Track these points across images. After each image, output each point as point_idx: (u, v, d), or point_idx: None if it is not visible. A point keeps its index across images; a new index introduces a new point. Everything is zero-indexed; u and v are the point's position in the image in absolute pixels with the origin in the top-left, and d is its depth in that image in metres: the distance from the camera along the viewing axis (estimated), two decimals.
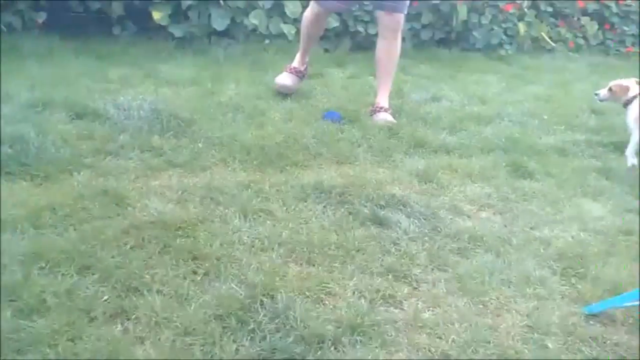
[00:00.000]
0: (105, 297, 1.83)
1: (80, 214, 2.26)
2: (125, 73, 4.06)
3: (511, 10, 5.99)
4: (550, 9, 6.56)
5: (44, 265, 1.93)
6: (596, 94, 3.70)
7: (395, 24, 3.67)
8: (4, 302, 1.76)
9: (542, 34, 6.37)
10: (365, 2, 4.57)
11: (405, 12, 3.70)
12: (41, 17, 4.65)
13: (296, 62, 4.04)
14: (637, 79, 3.54)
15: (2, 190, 2.39)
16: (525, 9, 6.21)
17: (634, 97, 3.44)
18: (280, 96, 3.93)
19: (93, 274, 1.92)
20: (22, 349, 1.62)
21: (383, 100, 3.74)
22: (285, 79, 3.95)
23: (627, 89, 3.51)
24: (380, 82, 3.81)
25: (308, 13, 3.87)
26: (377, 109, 3.71)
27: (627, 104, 3.49)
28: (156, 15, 4.87)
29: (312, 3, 3.80)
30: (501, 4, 5.92)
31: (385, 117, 3.65)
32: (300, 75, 4.01)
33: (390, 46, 3.72)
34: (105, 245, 2.07)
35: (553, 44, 6.47)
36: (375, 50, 3.81)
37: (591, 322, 1.97)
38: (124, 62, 4.30)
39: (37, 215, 2.21)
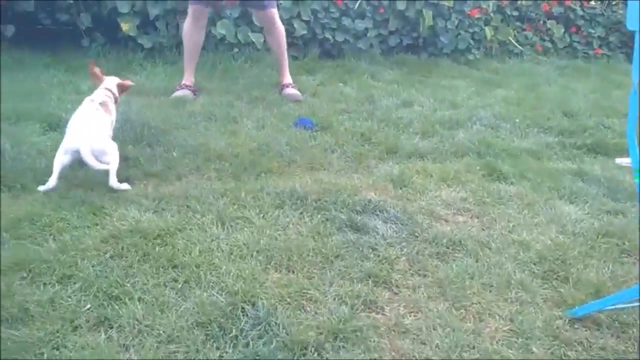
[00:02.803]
0: (88, 306, 1.83)
1: (59, 224, 2.26)
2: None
3: (477, 15, 6.08)
4: (515, 13, 6.69)
5: (25, 275, 1.94)
6: None
7: (269, 19, 4.26)
8: None
9: (509, 37, 6.49)
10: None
11: (271, 6, 4.22)
12: (9, 30, 4.61)
13: (187, 80, 4.11)
14: None
15: None
16: (491, 14, 6.31)
17: None
18: (252, 104, 3.92)
19: (74, 283, 1.92)
20: (7, 359, 1.62)
21: (285, 78, 4.37)
22: (179, 93, 4.00)
23: None
24: (279, 64, 4.43)
25: (187, 22, 4.14)
26: (283, 86, 4.30)
27: None
28: (124, 27, 4.82)
29: (189, 11, 4.10)
30: (467, 9, 6.00)
31: (292, 91, 4.24)
32: (192, 90, 4.08)
33: (272, 36, 4.36)
34: (85, 255, 2.07)
35: (520, 48, 6.59)
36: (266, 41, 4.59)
37: (575, 325, 1.97)
38: None
39: (17, 226, 2.21)
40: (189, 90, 4.06)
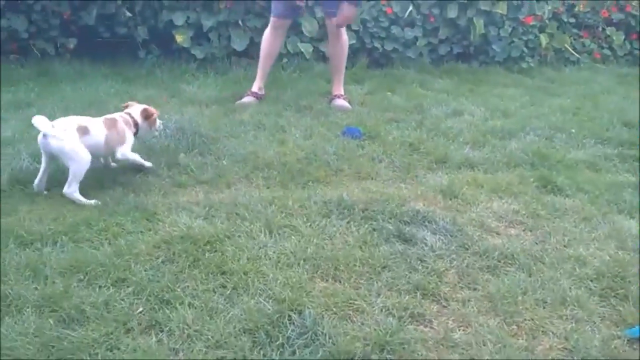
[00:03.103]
0: (140, 309, 1.88)
1: (114, 228, 2.34)
2: (151, 94, 4.14)
3: (532, 22, 5.91)
4: (572, 20, 6.45)
5: (82, 277, 2.01)
6: None
7: (333, 27, 4.26)
8: (46, 312, 1.84)
9: (566, 45, 6.28)
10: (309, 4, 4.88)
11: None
12: (72, 43, 4.88)
13: (255, 87, 4.28)
14: None
15: (43, 206, 2.52)
16: (547, 21, 6.12)
17: None
18: (300, 113, 3.94)
19: (128, 287, 1.98)
20: (63, 358, 1.68)
21: (337, 89, 4.37)
22: (244, 100, 4.15)
23: None
24: (333, 75, 4.45)
25: (267, 32, 4.35)
26: (333, 96, 4.30)
27: None
28: (179, 38, 4.98)
29: (270, 22, 4.32)
30: (521, 17, 5.86)
31: (341, 103, 4.24)
32: (257, 96, 4.24)
33: (334, 45, 4.39)
34: (139, 259, 2.14)
35: (577, 56, 6.37)
36: (327, 49, 4.63)
37: (634, 346, 1.88)
38: (150, 84, 4.42)
39: (75, 230, 2.31)
40: (254, 97, 4.20)
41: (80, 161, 2.55)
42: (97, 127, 2.69)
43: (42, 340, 1.72)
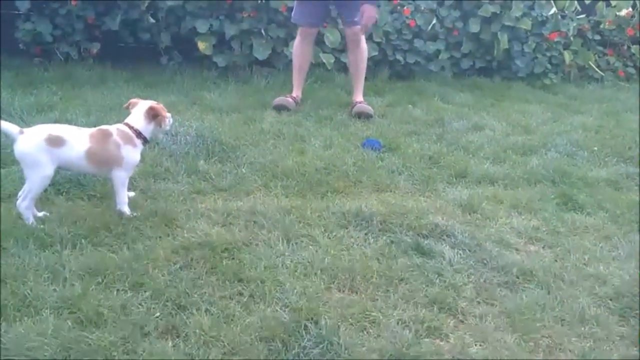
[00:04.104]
0: (157, 314, 1.90)
1: (133, 233, 2.37)
2: (172, 100, 4.17)
3: (556, 39, 5.87)
4: (597, 37, 6.39)
5: (100, 280, 2.03)
6: None
7: (353, 35, 4.34)
8: (65, 314, 1.85)
9: (590, 62, 6.22)
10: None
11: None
12: (95, 47, 4.94)
13: (294, 94, 4.43)
14: None
15: (63, 209, 2.54)
16: (571, 37, 6.08)
17: None
18: (320, 124, 3.95)
19: (145, 291, 2.00)
20: (80, 359, 1.70)
21: (358, 96, 4.44)
22: (282, 99, 4.29)
23: None
24: (354, 84, 4.51)
25: (296, 42, 4.47)
26: (355, 103, 4.34)
27: None
28: (201, 46, 5.03)
29: (298, 32, 4.44)
30: (545, 33, 5.82)
31: (362, 106, 4.27)
32: (296, 101, 4.37)
33: (354, 54, 4.46)
34: (157, 264, 2.15)
35: (601, 73, 6.29)
36: (347, 59, 4.64)
37: None
38: (171, 90, 4.46)
39: (95, 233, 2.33)
40: (293, 100, 4.33)
41: (35, 175, 2.31)
42: (78, 139, 2.37)
43: (60, 342, 1.73)
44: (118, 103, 3.96)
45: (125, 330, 1.80)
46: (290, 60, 5.19)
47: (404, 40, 5.56)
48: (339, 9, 4.31)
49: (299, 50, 4.45)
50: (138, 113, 2.53)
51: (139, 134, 2.49)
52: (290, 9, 5.08)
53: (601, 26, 6.37)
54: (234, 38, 5.08)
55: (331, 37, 5.25)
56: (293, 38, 5.16)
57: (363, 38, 4.40)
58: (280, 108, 4.19)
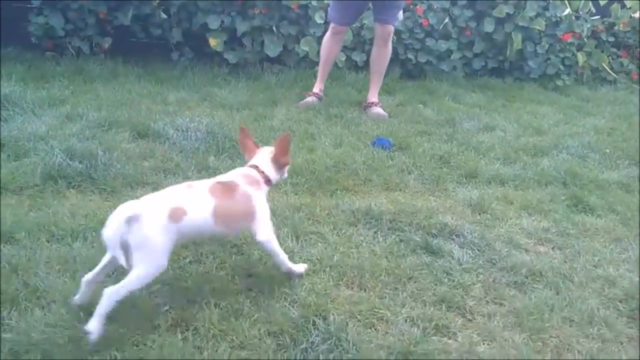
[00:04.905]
0: (167, 307, 1.90)
1: None
2: (182, 96, 4.19)
3: (569, 40, 5.83)
4: (612, 39, 6.35)
5: (110, 273, 2.01)
6: None
7: (385, 34, 4.37)
8: (75, 307, 1.85)
9: (603, 64, 6.17)
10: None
11: (395, 24, 4.43)
12: (107, 42, 4.95)
13: (316, 88, 4.49)
14: None
15: (74, 202, 2.55)
16: (585, 39, 6.04)
17: None
18: (331, 122, 3.95)
19: (155, 284, 1.99)
20: (93, 350, 1.71)
21: (373, 96, 4.46)
22: (306, 101, 4.35)
23: None
24: (372, 81, 4.53)
25: (327, 36, 4.50)
26: (369, 104, 4.38)
27: None
28: (212, 42, 5.04)
29: (330, 27, 4.46)
30: (559, 34, 5.78)
31: (378, 111, 4.30)
32: (319, 97, 4.45)
33: (380, 51, 4.47)
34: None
35: (615, 75, 6.25)
36: (371, 54, 4.59)
37: None
38: (182, 86, 4.47)
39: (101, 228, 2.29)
40: (316, 97, 4.41)
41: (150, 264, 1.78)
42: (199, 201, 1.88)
43: (71, 333, 1.75)
44: (129, 98, 4.01)
45: (135, 322, 1.82)
46: (302, 58, 5.22)
47: (416, 39, 5.55)
48: (375, 7, 4.34)
49: (328, 44, 4.49)
50: (265, 158, 2.12)
51: (268, 180, 2.11)
52: (301, 7, 5.10)
53: (615, 28, 6.33)
54: (245, 35, 5.09)
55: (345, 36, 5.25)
56: (304, 35, 5.19)
57: (391, 39, 4.46)
58: (307, 107, 4.23)
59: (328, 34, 4.49)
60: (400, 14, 4.41)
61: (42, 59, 4.73)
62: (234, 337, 1.80)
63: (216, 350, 1.75)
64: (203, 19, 5.01)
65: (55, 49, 4.85)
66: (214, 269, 2.14)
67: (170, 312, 1.88)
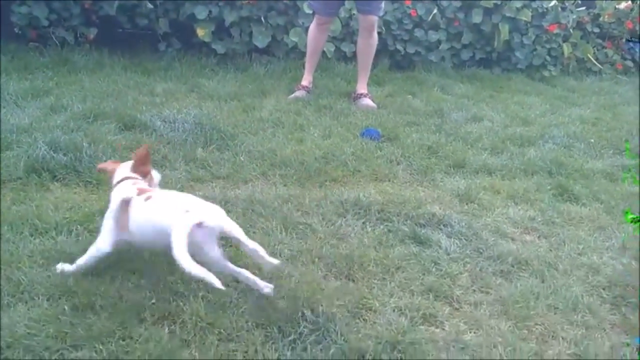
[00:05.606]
0: (153, 300, 1.89)
1: None
2: (170, 87, 4.16)
3: (555, 31, 5.87)
4: (597, 30, 6.40)
5: (96, 266, 1.99)
6: None
7: (369, 25, 4.37)
8: (61, 300, 1.84)
9: (589, 55, 6.23)
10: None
11: (380, 15, 4.45)
12: (92, 32, 4.86)
13: (305, 81, 4.46)
14: None
15: (59, 195, 2.52)
16: (571, 30, 6.08)
17: None
18: (320, 113, 3.96)
19: (141, 278, 1.98)
20: (77, 345, 1.69)
21: (362, 87, 4.45)
22: (294, 95, 4.31)
23: None
24: (360, 72, 4.52)
25: (312, 27, 4.50)
26: (358, 95, 4.38)
27: None
28: (200, 32, 4.99)
29: (314, 18, 4.48)
30: (545, 25, 5.82)
31: (367, 102, 4.30)
32: (307, 90, 4.42)
33: (366, 42, 4.46)
34: (153, 251, 2.10)
35: (600, 66, 6.31)
36: (357, 46, 4.62)
37: None
38: (169, 77, 4.43)
39: (90, 220, 2.31)
40: (305, 90, 4.38)
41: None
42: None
43: (56, 327, 1.72)
44: (115, 89, 3.96)
45: (121, 316, 1.80)
46: (291, 49, 5.20)
47: (405, 30, 5.55)
48: None
49: (314, 35, 4.49)
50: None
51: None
52: None
53: (600, 19, 6.38)
54: (233, 25, 5.05)
55: (332, 26, 5.24)
56: (293, 26, 5.17)
57: (375, 29, 4.45)
58: (296, 101, 4.21)
59: (313, 25, 4.49)
60: (383, 4, 4.41)
61: (26, 49, 4.64)
62: (221, 330, 1.79)
63: (203, 343, 1.74)
64: (190, 9, 4.95)
65: (39, 40, 4.75)
66: None
67: (156, 305, 1.87)
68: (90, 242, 2.10)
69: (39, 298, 1.85)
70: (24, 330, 1.71)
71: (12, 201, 2.40)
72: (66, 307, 1.80)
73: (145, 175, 2.12)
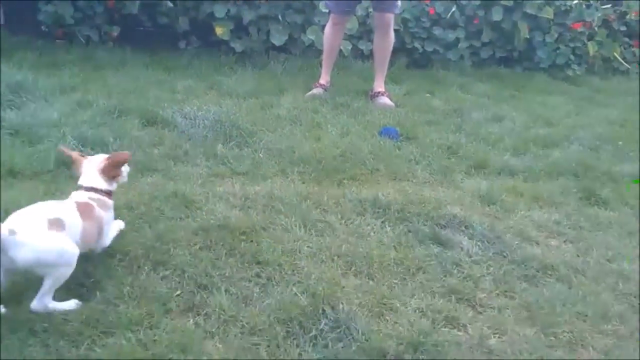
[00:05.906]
0: (178, 292, 1.92)
1: (154, 213, 2.37)
2: (190, 84, 4.16)
3: (580, 29, 5.73)
4: (624, 28, 6.24)
5: (122, 257, 2.04)
6: None
7: (385, 23, 4.33)
8: (91, 289, 1.87)
9: (615, 54, 6.08)
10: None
11: (396, 12, 4.42)
12: (115, 31, 4.93)
13: (322, 80, 4.41)
14: None
15: None
16: (596, 28, 5.92)
17: None
18: (337, 111, 3.91)
19: (167, 270, 2.01)
20: (107, 332, 1.73)
21: (380, 85, 4.40)
22: (312, 93, 4.28)
23: None
24: (376, 70, 4.47)
25: (327, 27, 4.46)
26: (376, 93, 4.32)
27: None
28: (219, 31, 5.00)
29: (330, 17, 4.44)
30: (569, 23, 5.69)
31: (385, 100, 4.25)
32: (325, 88, 4.38)
33: (382, 40, 4.41)
34: (178, 244, 2.16)
35: (627, 65, 6.15)
36: (373, 44, 4.59)
37: None
38: (189, 74, 4.43)
39: (117, 213, 2.29)
40: (322, 88, 4.34)
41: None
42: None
43: (85, 317, 1.75)
44: (137, 86, 3.99)
45: (149, 306, 1.82)
46: (307, 46, 5.17)
47: (423, 28, 5.47)
48: None
49: (329, 35, 4.45)
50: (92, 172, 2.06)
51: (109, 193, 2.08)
52: None
53: (627, 17, 6.22)
54: (251, 23, 5.04)
55: (349, 24, 5.19)
56: (310, 24, 5.14)
57: (392, 27, 4.40)
58: (313, 99, 4.18)
59: (329, 24, 4.45)
60: (399, 2, 4.35)
61: (53, 46, 4.70)
62: (245, 323, 1.80)
63: (227, 336, 1.75)
64: (209, 7, 4.96)
65: (65, 37, 4.83)
66: (224, 255, 2.13)
67: (181, 297, 1.89)
68: (118, 235, 2.13)
69: (69, 288, 1.85)
70: (57, 317, 1.74)
71: (44, 193, 2.40)
72: (98, 296, 1.84)
73: (112, 178, 2.08)
